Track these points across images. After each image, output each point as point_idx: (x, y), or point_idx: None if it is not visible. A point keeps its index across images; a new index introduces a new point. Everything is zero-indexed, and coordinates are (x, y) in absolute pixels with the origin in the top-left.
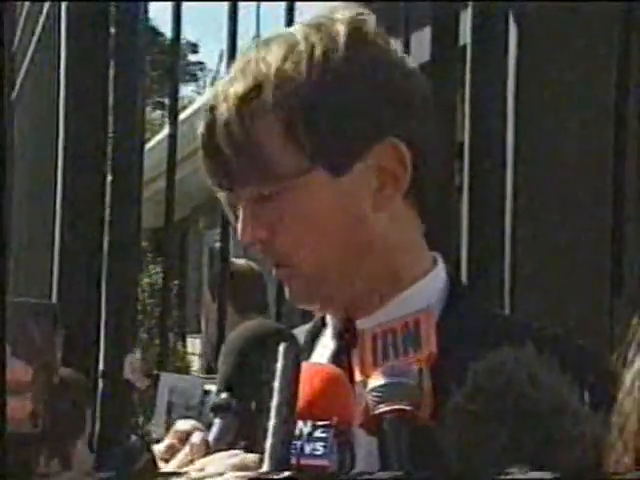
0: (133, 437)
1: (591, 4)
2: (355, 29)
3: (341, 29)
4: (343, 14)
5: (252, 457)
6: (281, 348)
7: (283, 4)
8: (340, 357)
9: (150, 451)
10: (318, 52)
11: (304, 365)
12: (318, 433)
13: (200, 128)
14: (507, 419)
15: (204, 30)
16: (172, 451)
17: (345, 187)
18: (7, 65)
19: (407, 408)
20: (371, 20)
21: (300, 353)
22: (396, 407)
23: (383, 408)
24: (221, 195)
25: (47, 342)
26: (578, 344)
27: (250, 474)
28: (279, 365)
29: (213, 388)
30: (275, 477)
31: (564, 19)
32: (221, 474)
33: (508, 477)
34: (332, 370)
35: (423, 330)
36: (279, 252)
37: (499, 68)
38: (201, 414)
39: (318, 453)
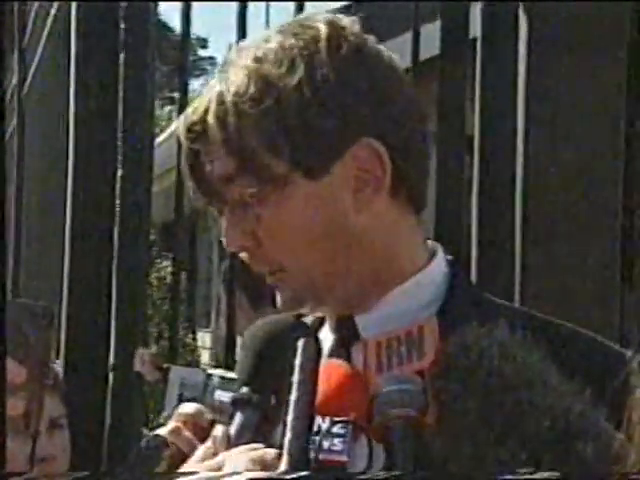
0: (145, 430)
1: None
2: (333, 29)
3: (320, 30)
4: (322, 15)
5: (272, 451)
6: (300, 343)
7: None
8: (339, 351)
9: (168, 447)
10: (293, 55)
11: (322, 362)
12: (336, 429)
13: (181, 136)
14: (478, 394)
15: (214, 25)
16: (177, 434)
17: (324, 190)
18: (13, 61)
19: (413, 414)
20: (351, 20)
21: (319, 348)
22: (402, 413)
23: (389, 414)
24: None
25: (41, 343)
26: (589, 341)
27: (265, 474)
28: (298, 360)
29: (215, 372)
30: (287, 477)
31: (574, 12)
32: (237, 473)
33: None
34: (349, 367)
35: (427, 338)
36: (267, 258)
37: (509, 61)
38: (203, 400)
39: (336, 449)
